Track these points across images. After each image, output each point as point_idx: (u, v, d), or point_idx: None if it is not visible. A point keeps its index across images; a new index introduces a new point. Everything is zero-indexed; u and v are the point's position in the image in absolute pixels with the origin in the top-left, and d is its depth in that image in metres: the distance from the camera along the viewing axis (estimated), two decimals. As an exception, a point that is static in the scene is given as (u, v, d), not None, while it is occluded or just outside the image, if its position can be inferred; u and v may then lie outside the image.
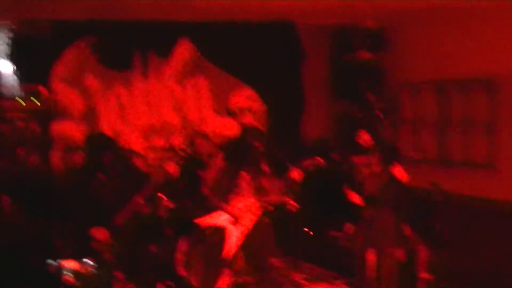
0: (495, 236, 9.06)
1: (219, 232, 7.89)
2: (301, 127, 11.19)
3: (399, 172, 8.06)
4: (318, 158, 8.12)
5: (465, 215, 9.38)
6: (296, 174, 8.01)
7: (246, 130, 8.57)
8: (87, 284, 7.49)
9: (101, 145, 8.30)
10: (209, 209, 8.03)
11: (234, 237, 7.87)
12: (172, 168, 8.04)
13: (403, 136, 10.48)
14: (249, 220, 7.94)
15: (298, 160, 8.58)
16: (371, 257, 8.62)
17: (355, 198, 8.30)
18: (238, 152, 7.97)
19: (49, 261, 7.70)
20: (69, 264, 7.57)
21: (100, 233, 7.81)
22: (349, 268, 8.86)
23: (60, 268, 7.64)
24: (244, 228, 7.92)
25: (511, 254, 8.88)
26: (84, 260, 7.61)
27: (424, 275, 9.14)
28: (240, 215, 7.86)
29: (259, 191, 8.01)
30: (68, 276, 7.59)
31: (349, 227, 8.42)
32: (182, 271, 9.03)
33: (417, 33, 10.39)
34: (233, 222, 7.87)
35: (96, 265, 7.63)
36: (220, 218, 7.87)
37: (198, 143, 9.76)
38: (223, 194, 7.90)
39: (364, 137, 8.32)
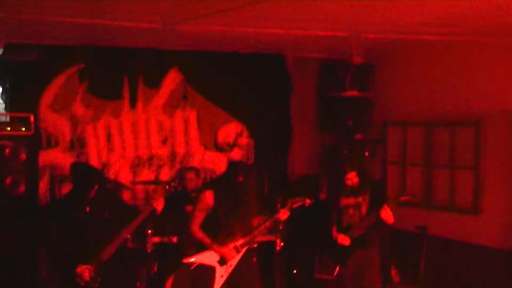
0: (478, 280, 9.15)
1: (206, 271, 7.89)
2: (288, 162, 11.21)
3: (386, 215, 8.10)
4: (305, 199, 8.13)
5: (450, 259, 9.46)
6: (281, 214, 8.02)
7: (233, 165, 8.55)
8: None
9: (86, 175, 8.22)
10: (196, 246, 8.02)
11: (221, 278, 7.88)
12: (159, 203, 7.98)
13: (390, 176, 10.54)
14: (235, 259, 7.95)
15: (284, 197, 8.60)
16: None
17: (343, 239, 8.33)
18: (226, 189, 7.96)
19: None
20: None
21: (85, 271, 7.75)
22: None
23: None
24: (230, 267, 7.93)
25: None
26: None
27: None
28: (228, 254, 7.87)
29: (247, 230, 8.02)
30: None
31: (336, 269, 8.43)
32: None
33: (404, 72, 10.45)
34: (221, 261, 7.88)
35: None
36: (209, 258, 7.87)
37: (186, 178, 9.76)
38: (211, 233, 7.91)
39: (353, 180, 8.35)
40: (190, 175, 9.81)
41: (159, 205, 7.89)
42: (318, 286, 9.79)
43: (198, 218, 7.91)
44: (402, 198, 8.26)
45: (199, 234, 7.89)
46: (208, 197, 7.91)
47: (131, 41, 9.77)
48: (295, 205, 8.08)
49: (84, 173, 8.26)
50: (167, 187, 8.13)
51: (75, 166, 9.34)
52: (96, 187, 7.94)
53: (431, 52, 9.84)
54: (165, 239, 9.23)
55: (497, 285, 8.92)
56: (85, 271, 7.68)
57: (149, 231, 8.97)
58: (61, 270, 8.01)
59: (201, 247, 7.94)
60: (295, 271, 10.18)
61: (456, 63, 9.63)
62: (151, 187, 10.30)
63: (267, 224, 8.00)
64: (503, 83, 8.98)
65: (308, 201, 8.11)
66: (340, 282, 8.54)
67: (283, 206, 8.11)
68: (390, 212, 8.08)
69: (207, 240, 7.88)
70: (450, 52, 9.60)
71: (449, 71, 9.73)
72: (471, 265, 9.22)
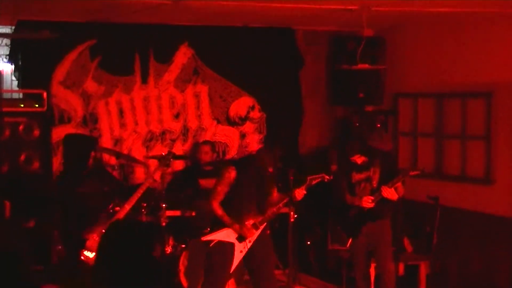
0: (490, 249, 9.20)
1: (226, 248, 7.92)
2: (300, 134, 11.24)
3: (388, 194, 8.12)
4: (324, 175, 8.16)
5: (462, 229, 9.50)
6: (297, 193, 8.04)
7: (261, 154, 8.51)
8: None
9: (80, 144, 8.29)
10: (211, 220, 8.06)
11: (241, 254, 7.91)
12: (157, 176, 8.07)
13: (402, 147, 10.58)
14: (254, 236, 7.98)
15: (296, 169, 8.60)
16: (371, 270, 8.73)
17: (366, 202, 8.32)
18: (249, 170, 7.96)
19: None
20: None
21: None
22: (351, 281, 8.95)
23: None
24: (249, 243, 7.96)
25: (505, 268, 9.03)
26: None
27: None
28: (247, 233, 7.89)
29: (265, 207, 8.04)
30: None
31: (349, 241, 8.47)
32: (183, 282, 9.09)
33: (415, 44, 10.46)
34: (239, 238, 7.91)
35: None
36: (227, 235, 7.89)
37: (202, 151, 9.82)
38: (231, 210, 7.92)
39: (358, 160, 8.37)
40: (206, 148, 9.89)
41: (157, 177, 8.00)
42: (331, 257, 9.86)
43: (220, 194, 7.87)
44: (412, 173, 8.28)
45: (219, 211, 7.86)
46: (232, 172, 7.91)
47: (142, 17, 9.78)
48: (314, 182, 8.10)
49: (78, 142, 8.37)
50: (162, 159, 8.15)
51: (67, 137, 9.33)
52: (93, 154, 8.02)
53: (442, 24, 9.84)
54: (179, 212, 9.29)
55: (509, 254, 8.97)
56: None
57: (163, 205, 9.03)
58: (75, 244, 8.09)
59: (216, 221, 7.97)
60: (308, 243, 10.26)
61: (466, 34, 9.64)
62: (164, 161, 10.37)
63: (285, 200, 8.03)
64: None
65: (327, 177, 8.13)
66: (353, 253, 8.62)
67: (299, 183, 8.09)
68: (391, 190, 8.11)
69: (226, 219, 7.85)
70: (461, 24, 9.60)
71: (459, 43, 9.73)
72: (484, 235, 9.27)
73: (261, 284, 8.07)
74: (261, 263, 8.03)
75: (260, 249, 8.01)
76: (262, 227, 7.97)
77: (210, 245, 7.90)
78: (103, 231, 7.53)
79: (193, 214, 9.24)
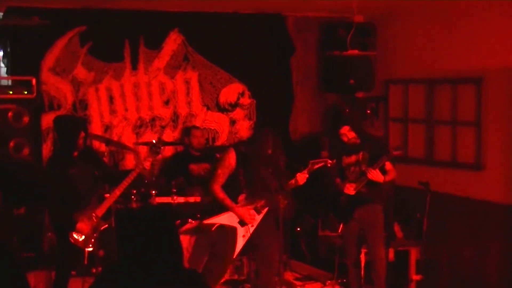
0: (481, 235, 9.21)
1: (228, 232, 7.88)
2: (291, 121, 11.22)
3: (374, 176, 8.11)
4: (327, 159, 8.13)
5: (453, 215, 9.51)
6: (299, 177, 7.98)
7: (263, 133, 8.43)
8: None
9: (70, 124, 8.29)
10: (203, 207, 8.04)
11: (243, 238, 7.87)
12: (147, 164, 8.05)
13: (392, 133, 10.57)
14: (257, 221, 7.93)
15: (287, 156, 8.56)
16: (362, 256, 8.73)
17: (348, 189, 8.31)
18: (250, 153, 7.91)
19: None
20: None
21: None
22: (342, 267, 8.96)
23: None
24: (251, 227, 7.92)
25: (496, 254, 9.05)
26: None
27: (415, 276, 9.28)
28: (248, 217, 7.84)
29: (269, 193, 7.98)
30: None
31: (340, 226, 8.47)
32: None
33: (405, 30, 10.43)
34: (241, 222, 7.87)
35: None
36: (229, 219, 7.85)
37: (194, 134, 9.84)
38: (233, 193, 7.88)
39: (348, 134, 8.35)
40: (197, 133, 9.93)
41: (147, 165, 8.00)
42: (322, 243, 9.85)
43: (221, 177, 7.84)
44: (395, 153, 8.28)
45: (220, 194, 7.82)
46: (231, 157, 7.87)
47: (132, 3, 9.75)
48: (316, 166, 8.04)
49: (67, 122, 8.37)
50: (153, 146, 8.17)
51: (57, 119, 9.30)
52: (82, 134, 8.03)
53: (432, 10, 9.81)
54: (170, 199, 9.26)
55: (500, 239, 8.98)
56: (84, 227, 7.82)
57: (153, 192, 9.02)
58: (64, 230, 8.06)
59: (206, 208, 7.94)
60: (298, 229, 10.25)
61: (457, 20, 9.60)
62: (153, 147, 10.32)
63: (287, 186, 7.97)
64: (505, 41, 8.95)
65: (329, 161, 8.09)
66: (345, 239, 8.62)
67: (304, 169, 8.03)
68: (376, 172, 8.10)
69: (228, 202, 7.83)
70: (451, 10, 9.57)
71: (450, 29, 9.70)
72: (474, 220, 9.28)
73: (260, 269, 8.04)
74: (264, 249, 7.96)
75: (264, 234, 7.95)
76: (264, 211, 7.90)
77: (212, 229, 7.84)
78: (94, 214, 7.74)
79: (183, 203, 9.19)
